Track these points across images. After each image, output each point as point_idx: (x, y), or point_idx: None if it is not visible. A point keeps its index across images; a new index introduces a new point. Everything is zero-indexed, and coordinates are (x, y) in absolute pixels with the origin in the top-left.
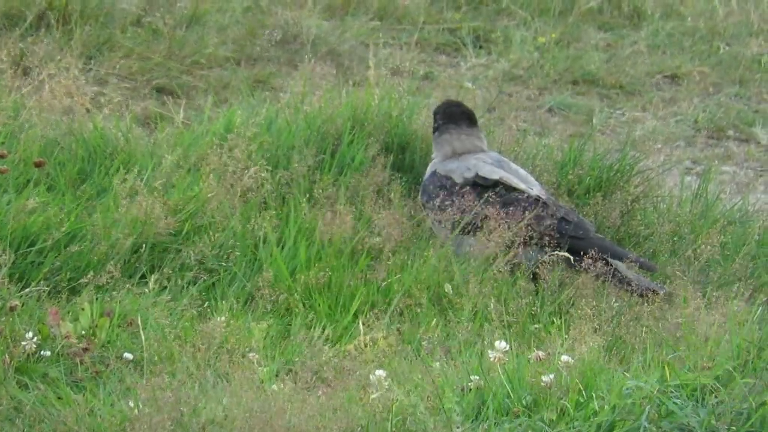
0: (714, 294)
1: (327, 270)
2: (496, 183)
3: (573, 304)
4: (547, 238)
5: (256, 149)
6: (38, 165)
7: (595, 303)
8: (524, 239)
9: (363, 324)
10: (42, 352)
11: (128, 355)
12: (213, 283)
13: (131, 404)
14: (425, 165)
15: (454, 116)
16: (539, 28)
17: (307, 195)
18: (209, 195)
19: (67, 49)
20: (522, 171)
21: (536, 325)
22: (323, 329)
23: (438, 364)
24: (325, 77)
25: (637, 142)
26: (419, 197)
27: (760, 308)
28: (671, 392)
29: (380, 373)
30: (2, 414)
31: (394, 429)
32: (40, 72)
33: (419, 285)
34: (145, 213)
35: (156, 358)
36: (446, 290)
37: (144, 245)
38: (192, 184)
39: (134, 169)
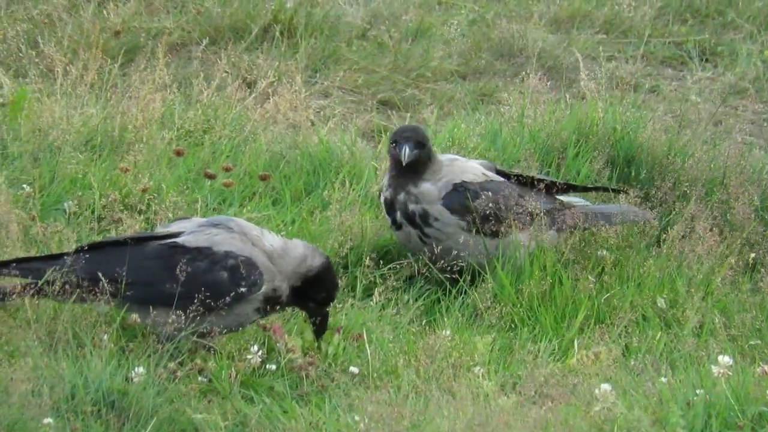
0: None
1: (548, 278)
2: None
3: None
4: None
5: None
6: (263, 178)
7: None
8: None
9: (587, 338)
10: (267, 366)
11: (354, 369)
12: (438, 298)
13: (356, 418)
14: (651, 178)
15: None
16: (766, 41)
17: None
18: None
19: (292, 62)
20: None
21: (757, 341)
22: (549, 342)
23: (663, 378)
24: (549, 90)
25: None
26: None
27: None
28: None
29: (605, 387)
30: (228, 428)
31: None
32: (264, 85)
33: (642, 298)
34: (361, 224)
35: (380, 372)
36: (659, 304)
37: (365, 256)
38: None
39: (360, 182)
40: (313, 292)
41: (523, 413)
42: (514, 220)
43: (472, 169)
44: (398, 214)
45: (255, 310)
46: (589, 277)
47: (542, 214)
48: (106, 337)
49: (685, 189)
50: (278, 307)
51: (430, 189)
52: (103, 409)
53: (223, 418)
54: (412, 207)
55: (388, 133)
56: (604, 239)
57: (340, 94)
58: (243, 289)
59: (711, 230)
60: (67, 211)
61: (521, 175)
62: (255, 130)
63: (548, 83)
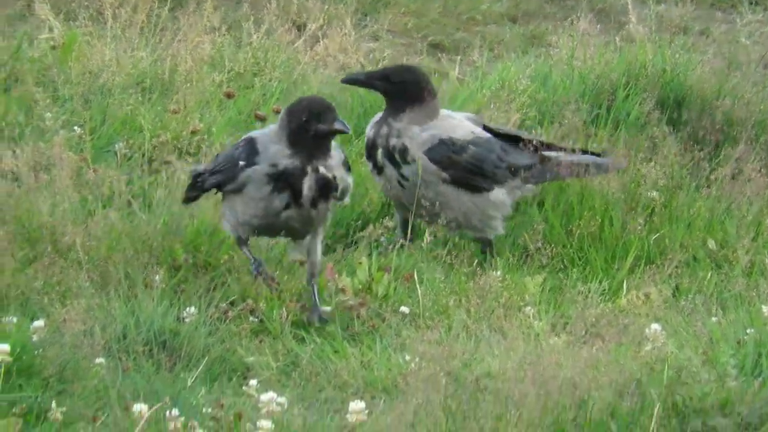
0: None
1: (598, 218)
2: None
3: None
4: None
5: (528, 103)
6: None
7: None
8: None
9: (638, 278)
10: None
11: (404, 309)
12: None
13: (407, 357)
14: (701, 120)
15: None
16: None
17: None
18: None
19: (342, 6)
20: None
21: None
22: (599, 283)
23: (714, 318)
24: (598, 33)
25: None
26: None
27: None
28: None
29: (656, 327)
30: (279, 368)
31: (668, 382)
32: (314, 28)
33: (692, 239)
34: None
35: (431, 312)
36: (709, 246)
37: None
38: None
39: None
40: (304, 121)
41: (573, 353)
42: (496, 176)
43: (463, 128)
44: (379, 153)
45: (270, 194)
46: (639, 220)
47: (522, 169)
48: (157, 277)
49: (734, 131)
50: (305, 193)
51: (414, 129)
52: (154, 349)
53: (275, 359)
54: (393, 141)
55: (437, 77)
56: (654, 181)
57: (389, 37)
58: (242, 162)
59: (760, 171)
60: (118, 152)
61: (508, 133)
62: (305, 73)
63: (598, 26)
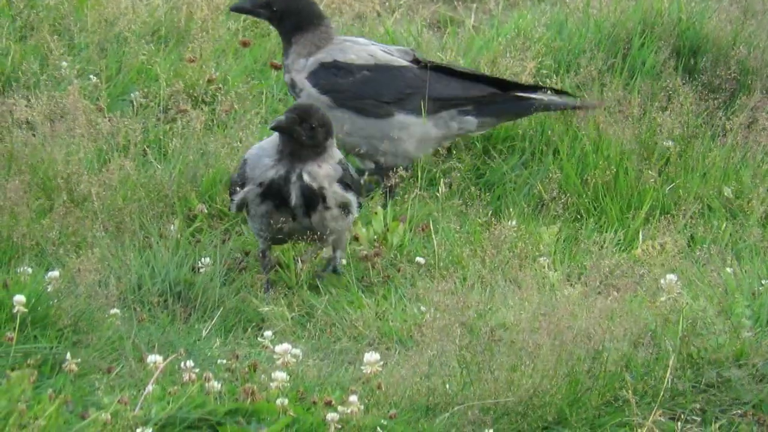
0: None
1: (613, 168)
2: None
3: None
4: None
5: (544, 51)
6: None
7: None
8: None
9: (653, 228)
10: None
11: (420, 260)
12: (504, 189)
13: (422, 308)
14: (716, 69)
15: None
16: None
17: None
18: None
19: None
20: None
21: None
22: (615, 232)
23: (729, 269)
24: None
25: None
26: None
27: None
28: None
29: (671, 277)
30: (294, 319)
31: (683, 333)
32: None
33: (707, 188)
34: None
35: (446, 263)
36: (725, 194)
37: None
38: None
39: None
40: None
41: (588, 303)
42: (402, 102)
43: (357, 52)
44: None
45: (266, 210)
46: (653, 170)
47: (450, 101)
48: (173, 227)
49: (750, 79)
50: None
51: (300, 61)
52: (169, 300)
53: (290, 309)
54: (286, 79)
55: (452, 25)
56: (669, 130)
57: None
58: (237, 188)
59: None
60: (133, 101)
61: (449, 67)
62: None
63: None
